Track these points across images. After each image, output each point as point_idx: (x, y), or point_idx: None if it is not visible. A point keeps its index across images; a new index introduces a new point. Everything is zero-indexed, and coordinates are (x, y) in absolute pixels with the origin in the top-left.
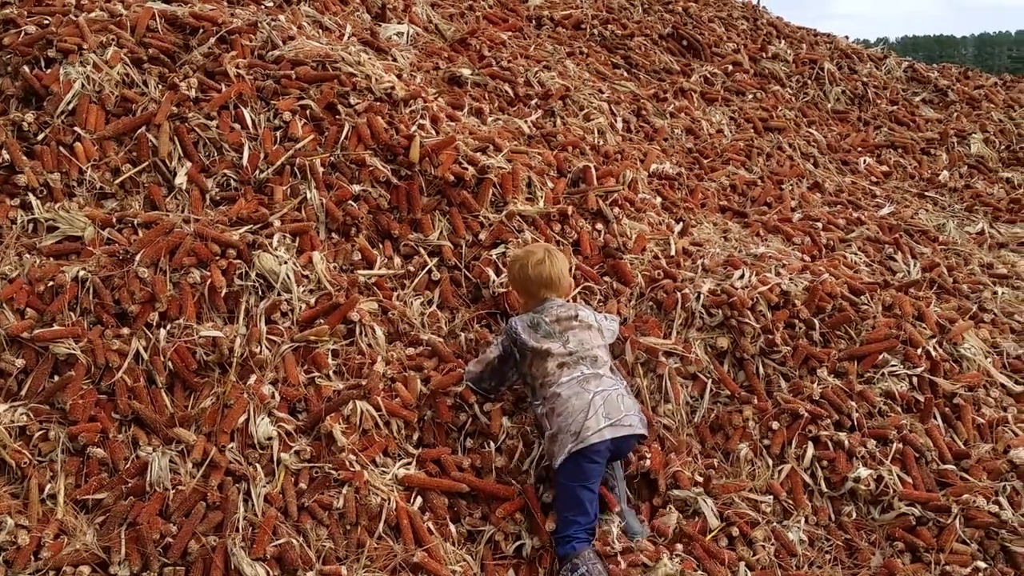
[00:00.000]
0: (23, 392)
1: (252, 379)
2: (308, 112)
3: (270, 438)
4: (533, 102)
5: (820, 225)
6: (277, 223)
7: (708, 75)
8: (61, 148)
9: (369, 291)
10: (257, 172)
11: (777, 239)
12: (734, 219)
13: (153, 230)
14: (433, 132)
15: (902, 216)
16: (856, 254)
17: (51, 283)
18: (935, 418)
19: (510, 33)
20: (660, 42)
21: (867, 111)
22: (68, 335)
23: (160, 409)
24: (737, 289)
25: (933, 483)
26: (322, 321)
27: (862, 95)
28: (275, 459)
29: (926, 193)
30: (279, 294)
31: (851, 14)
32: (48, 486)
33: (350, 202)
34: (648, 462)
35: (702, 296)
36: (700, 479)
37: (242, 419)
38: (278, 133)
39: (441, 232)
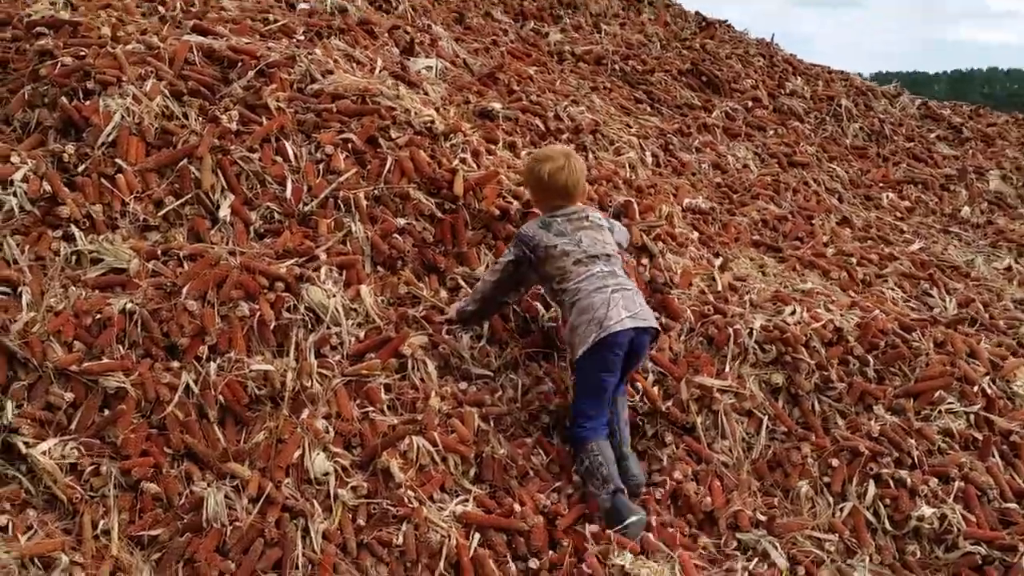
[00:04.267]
0: (73, 426)
1: (304, 414)
2: (350, 145)
3: (327, 473)
4: (564, 136)
5: (854, 260)
6: (323, 256)
7: (729, 111)
8: (103, 180)
9: (418, 325)
10: (301, 205)
11: (814, 274)
12: (768, 254)
13: (199, 263)
14: (475, 166)
15: (933, 252)
16: (893, 289)
17: (98, 316)
18: (994, 456)
19: (535, 68)
20: (680, 78)
21: (885, 147)
22: (118, 368)
23: (213, 444)
24: (790, 325)
25: (996, 522)
26: (373, 355)
27: (879, 131)
28: (332, 495)
29: (950, 229)
30: (328, 328)
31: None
32: (101, 522)
33: (395, 235)
34: (710, 500)
35: (755, 332)
36: (763, 518)
37: (297, 454)
38: (320, 166)
39: (487, 266)
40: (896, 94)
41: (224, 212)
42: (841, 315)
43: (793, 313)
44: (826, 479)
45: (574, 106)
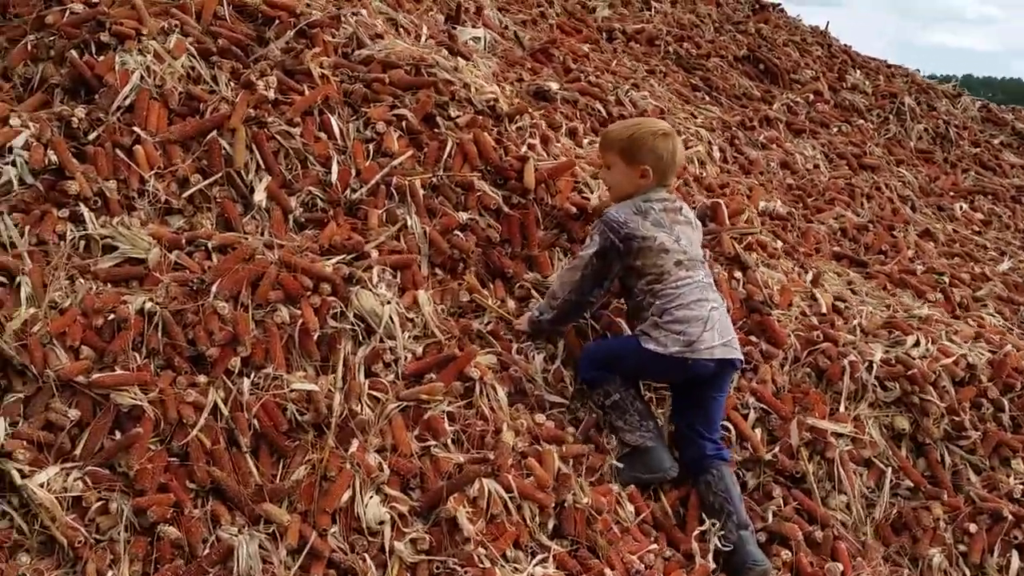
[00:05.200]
0: (77, 452)
1: (354, 445)
2: (404, 124)
3: (382, 522)
4: None
5: (947, 279)
6: (375, 254)
7: (791, 103)
8: (118, 151)
9: (483, 340)
10: (348, 191)
11: (907, 294)
12: (853, 268)
13: (231, 256)
14: (544, 154)
15: None
16: (993, 315)
17: (111, 316)
18: None
19: (588, 45)
20: (736, 65)
21: (951, 152)
22: (133, 382)
23: (244, 478)
24: (915, 359)
25: None
26: (433, 376)
27: (944, 134)
28: (387, 548)
29: None
30: (382, 341)
31: None
32: (109, 573)
33: (456, 232)
34: (840, 566)
35: (875, 366)
36: None
37: (346, 496)
38: (370, 146)
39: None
40: (956, 94)
41: (259, 196)
42: (969, 349)
43: (917, 345)
44: (961, 547)
45: (635, 90)
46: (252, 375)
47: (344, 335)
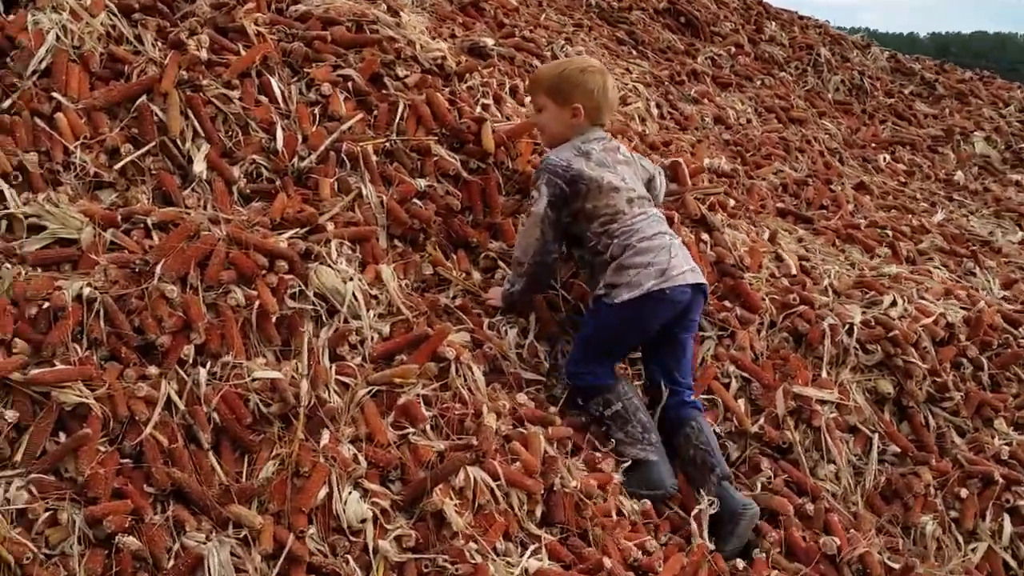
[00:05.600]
0: (18, 457)
1: (325, 437)
2: (350, 85)
3: (363, 520)
4: None
5: (890, 233)
6: (330, 227)
7: (714, 56)
8: (37, 120)
9: (453, 316)
10: (296, 159)
11: (855, 249)
12: (799, 224)
13: (174, 233)
14: (498, 114)
15: (960, 224)
16: (939, 268)
17: (45, 304)
18: None
19: None
20: (657, 17)
21: (867, 103)
22: (77, 377)
23: (208, 478)
24: (895, 320)
25: None
26: (404, 357)
27: (859, 85)
28: (371, 548)
29: (953, 196)
30: (345, 320)
31: None
32: None
33: (415, 201)
34: (837, 540)
35: (855, 329)
36: (895, 566)
37: (323, 493)
38: (316, 110)
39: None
40: (866, 44)
41: (199, 166)
42: (944, 307)
43: (894, 305)
44: (953, 513)
45: (570, 45)
46: (208, 364)
47: (305, 316)
